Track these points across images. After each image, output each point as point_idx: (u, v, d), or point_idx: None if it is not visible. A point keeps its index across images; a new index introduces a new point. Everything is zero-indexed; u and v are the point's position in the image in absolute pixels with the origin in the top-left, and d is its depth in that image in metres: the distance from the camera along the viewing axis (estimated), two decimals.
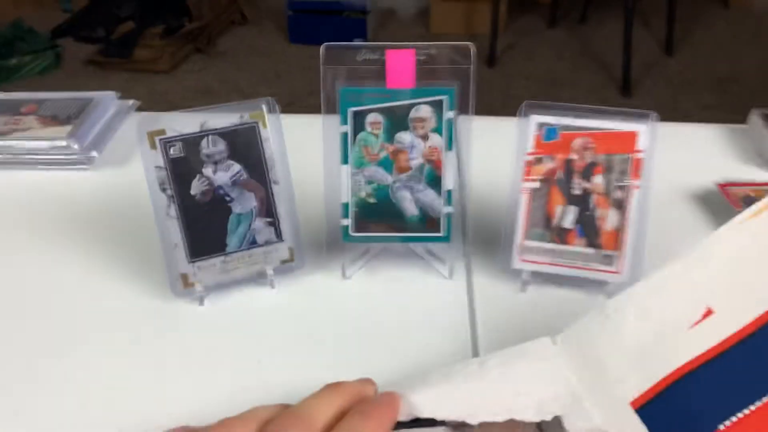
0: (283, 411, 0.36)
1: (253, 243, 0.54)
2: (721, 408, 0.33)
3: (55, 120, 0.75)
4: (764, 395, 0.33)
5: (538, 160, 0.53)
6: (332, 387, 0.37)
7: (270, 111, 0.53)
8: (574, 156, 0.52)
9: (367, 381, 0.39)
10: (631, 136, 0.51)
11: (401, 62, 0.52)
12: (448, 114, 0.53)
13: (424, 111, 0.53)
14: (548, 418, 0.36)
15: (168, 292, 0.53)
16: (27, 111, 0.77)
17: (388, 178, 0.54)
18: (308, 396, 0.37)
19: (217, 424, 0.35)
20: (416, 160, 0.54)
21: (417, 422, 0.37)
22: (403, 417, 0.37)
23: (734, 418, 0.33)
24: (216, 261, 0.53)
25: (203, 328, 0.52)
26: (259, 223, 0.54)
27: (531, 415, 0.36)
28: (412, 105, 0.53)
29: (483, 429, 0.37)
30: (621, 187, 0.52)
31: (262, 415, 0.35)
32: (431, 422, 0.37)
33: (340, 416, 0.35)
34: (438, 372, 0.39)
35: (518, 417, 0.36)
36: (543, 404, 0.36)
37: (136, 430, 0.43)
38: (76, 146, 0.71)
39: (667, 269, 0.38)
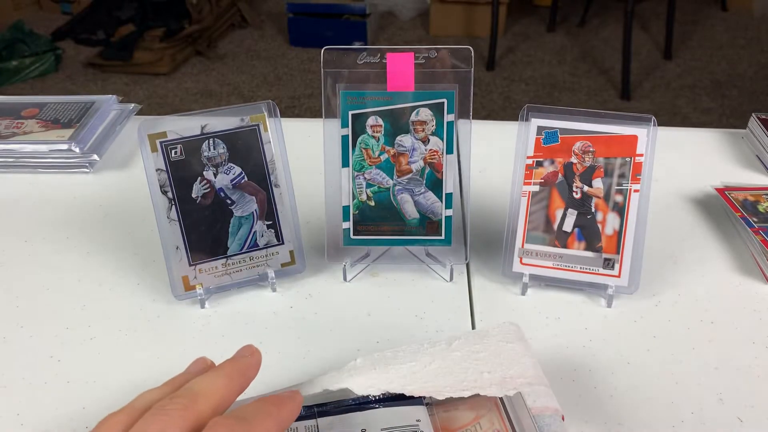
0: (167, 394, 0.35)
1: (254, 246, 0.54)
2: None
3: (56, 123, 0.75)
4: None
5: (539, 164, 0.53)
6: (217, 367, 0.37)
7: (271, 114, 0.53)
8: (574, 159, 0.52)
9: (251, 357, 0.39)
10: (631, 140, 0.51)
11: (401, 65, 0.52)
12: (449, 117, 0.53)
13: (425, 114, 0.53)
14: (511, 393, 0.38)
15: (169, 295, 0.53)
16: (28, 114, 0.77)
17: (388, 181, 0.55)
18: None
19: (102, 420, 0.34)
20: (417, 163, 0.54)
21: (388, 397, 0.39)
22: (375, 392, 0.38)
23: None
24: (217, 264, 0.53)
25: (204, 330, 0.52)
26: (259, 226, 0.54)
27: (495, 392, 0.38)
28: (413, 108, 0.53)
29: (449, 403, 0.39)
30: (621, 191, 0.52)
31: (138, 406, 0.34)
32: (401, 397, 0.39)
33: (228, 397, 0.35)
34: (408, 350, 0.42)
35: (482, 393, 0.38)
36: (506, 382, 0.39)
37: None
38: (77, 149, 0.72)
39: None
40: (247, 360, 0.38)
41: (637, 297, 0.54)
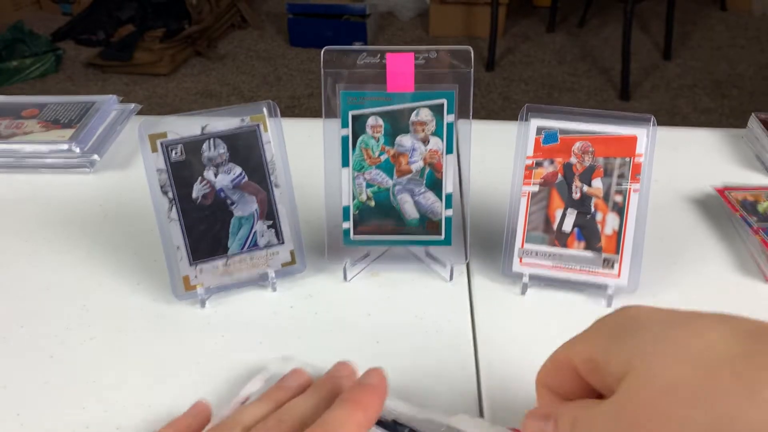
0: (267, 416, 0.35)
1: (255, 246, 0.54)
2: None
3: (56, 124, 0.75)
4: None
5: (538, 164, 0.53)
6: (351, 397, 0.36)
7: (271, 114, 0.53)
8: (573, 160, 0.52)
9: (379, 384, 0.37)
10: (631, 140, 0.51)
11: (401, 66, 0.52)
12: (449, 117, 0.53)
13: (425, 114, 0.53)
14: None
15: (170, 295, 0.53)
16: (28, 114, 0.77)
17: (388, 181, 0.55)
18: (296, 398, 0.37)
19: None
20: (417, 163, 0.54)
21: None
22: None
23: None
24: (217, 263, 0.53)
25: (205, 330, 0.52)
26: (260, 226, 0.54)
27: None
28: (413, 108, 0.53)
29: None
30: (620, 191, 0.52)
31: (244, 421, 0.35)
32: None
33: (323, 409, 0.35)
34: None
35: None
36: None
37: (136, 431, 0.43)
38: (77, 150, 0.72)
39: None
40: (379, 389, 0.37)
41: (637, 297, 0.54)
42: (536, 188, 0.53)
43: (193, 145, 0.51)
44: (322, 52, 0.52)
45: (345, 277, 0.56)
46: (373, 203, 0.55)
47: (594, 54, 2.92)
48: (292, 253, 0.55)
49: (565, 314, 0.53)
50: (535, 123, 0.53)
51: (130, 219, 0.64)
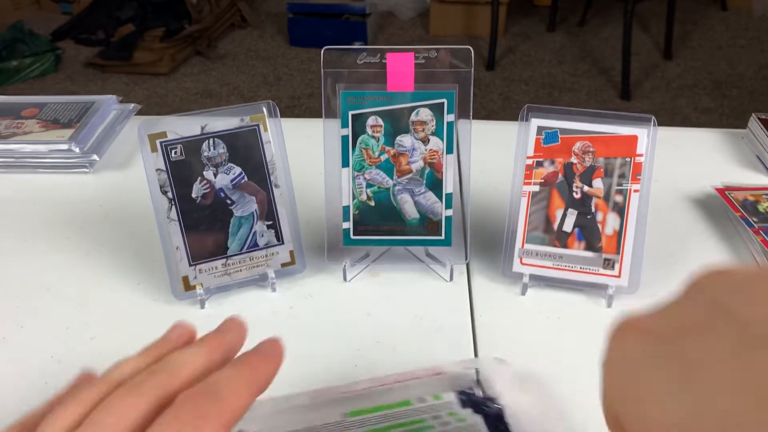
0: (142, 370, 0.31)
1: (254, 246, 0.54)
2: None
3: (56, 123, 0.75)
4: None
5: (539, 164, 0.53)
6: (200, 341, 0.34)
7: (271, 114, 0.53)
8: (574, 160, 0.52)
9: (237, 331, 0.36)
10: (631, 140, 0.51)
11: (402, 65, 0.52)
12: (449, 117, 0.53)
13: (425, 114, 0.53)
14: None
15: (169, 295, 0.53)
16: (28, 114, 0.77)
17: (388, 181, 0.55)
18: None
19: (71, 391, 0.30)
20: (417, 163, 0.54)
21: None
22: None
23: None
24: (217, 264, 0.53)
25: (204, 331, 0.52)
26: (259, 227, 0.54)
27: None
28: (413, 108, 0.53)
29: None
30: (621, 191, 0.52)
31: (113, 379, 0.31)
32: None
33: (206, 373, 0.31)
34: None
35: None
36: None
37: None
38: (77, 149, 0.72)
39: None
40: (232, 336, 0.36)
41: (637, 297, 0.54)
42: (537, 188, 0.53)
43: (192, 145, 0.51)
44: (322, 52, 0.52)
45: (345, 278, 0.56)
46: (373, 203, 0.55)
47: (594, 54, 2.92)
48: (291, 254, 0.55)
49: (565, 314, 0.53)
50: (536, 123, 0.53)
51: (130, 219, 0.64)
